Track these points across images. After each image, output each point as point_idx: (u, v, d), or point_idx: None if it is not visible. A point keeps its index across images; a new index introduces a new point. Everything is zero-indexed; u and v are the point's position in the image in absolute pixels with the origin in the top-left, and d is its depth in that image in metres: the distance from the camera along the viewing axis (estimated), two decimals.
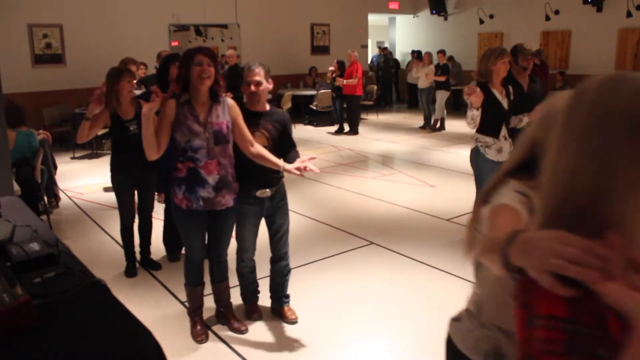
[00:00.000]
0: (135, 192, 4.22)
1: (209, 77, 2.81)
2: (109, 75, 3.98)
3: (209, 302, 3.50)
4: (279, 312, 3.52)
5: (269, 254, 3.45)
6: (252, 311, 3.52)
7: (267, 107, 3.21)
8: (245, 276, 3.45)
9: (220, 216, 3.04)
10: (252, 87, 3.08)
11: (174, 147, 2.90)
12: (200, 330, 3.25)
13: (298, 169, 2.90)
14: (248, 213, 3.17)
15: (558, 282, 0.81)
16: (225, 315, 3.38)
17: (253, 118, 3.12)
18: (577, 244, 0.80)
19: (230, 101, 3.00)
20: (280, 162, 3.01)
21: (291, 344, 3.23)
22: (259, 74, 3.09)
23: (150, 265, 4.33)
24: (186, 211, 2.96)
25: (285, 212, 3.32)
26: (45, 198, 5.57)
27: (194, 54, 2.83)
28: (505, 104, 4.22)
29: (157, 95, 2.77)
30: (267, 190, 3.15)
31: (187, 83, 2.86)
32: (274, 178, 3.16)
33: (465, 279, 4.09)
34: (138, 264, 4.34)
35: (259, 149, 3.02)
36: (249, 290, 3.51)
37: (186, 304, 3.72)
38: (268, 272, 3.52)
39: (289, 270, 3.47)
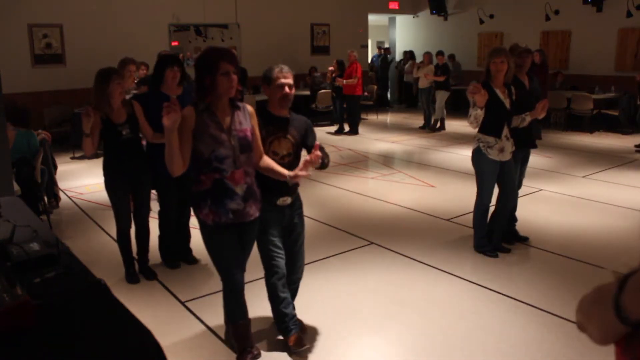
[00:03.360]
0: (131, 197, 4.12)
1: (233, 87, 2.67)
2: (97, 78, 3.79)
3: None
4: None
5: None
6: (298, 343, 3.05)
7: (289, 113, 3.08)
8: (280, 298, 3.06)
9: (246, 229, 2.84)
10: (286, 89, 2.94)
11: (195, 158, 2.67)
12: None
13: (304, 167, 2.81)
14: (272, 223, 2.99)
15: None
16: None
17: (280, 123, 3.00)
18: None
19: (249, 108, 2.86)
20: (285, 171, 2.86)
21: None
22: (292, 77, 2.97)
23: (146, 274, 4.18)
24: (213, 227, 2.73)
25: (303, 221, 3.21)
26: (45, 198, 5.57)
27: (218, 60, 2.59)
28: (507, 103, 4.22)
29: (175, 104, 2.46)
30: (288, 198, 3.03)
31: (207, 90, 2.63)
32: (292, 185, 3.00)
33: (464, 279, 4.09)
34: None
35: (267, 161, 2.90)
36: (287, 317, 3.09)
37: (187, 304, 3.73)
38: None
39: (298, 286, 3.34)
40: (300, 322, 3.25)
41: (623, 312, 0.74)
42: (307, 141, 3.10)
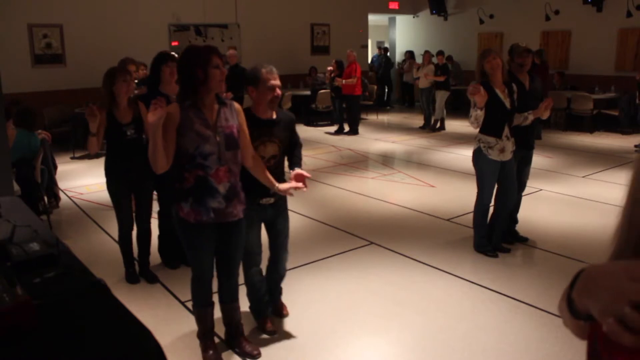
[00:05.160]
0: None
1: (223, 80, 2.69)
2: (104, 77, 3.81)
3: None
4: (273, 306, 3.51)
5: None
6: (265, 324, 3.37)
7: (274, 113, 3.09)
8: (256, 287, 3.31)
9: (231, 229, 2.84)
10: (278, 91, 2.96)
11: (179, 155, 2.67)
12: (213, 355, 3.00)
13: (289, 189, 2.94)
14: (253, 219, 3.06)
15: (624, 329, 0.64)
16: (237, 337, 3.14)
17: (264, 127, 3.01)
18: None
19: (237, 105, 2.86)
20: (276, 183, 2.94)
21: (290, 344, 3.23)
22: (278, 77, 2.99)
23: (148, 277, 4.15)
24: (194, 225, 2.72)
25: (286, 217, 3.28)
26: (45, 198, 5.57)
27: (210, 55, 2.62)
28: (507, 103, 4.22)
29: (161, 102, 2.49)
30: (272, 198, 3.08)
31: (197, 85, 2.63)
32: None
33: (464, 279, 4.09)
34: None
35: (261, 166, 2.93)
36: (262, 302, 3.38)
37: (187, 303, 3.73)
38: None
39: (284, 273, 3.44)
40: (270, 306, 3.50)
41: (574, 306, 0.76)
42: (293, 136, 3.20)
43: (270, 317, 3.42)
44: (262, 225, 3.26)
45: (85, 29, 9.97)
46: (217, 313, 3.10)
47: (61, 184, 6.62)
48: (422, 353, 3.13)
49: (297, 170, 3.02)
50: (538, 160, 7.83)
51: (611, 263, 0.76)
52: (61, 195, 6.33)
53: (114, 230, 4.17)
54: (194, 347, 3.14)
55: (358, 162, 8.41)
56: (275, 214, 3.20)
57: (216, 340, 3.14)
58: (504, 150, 4.27)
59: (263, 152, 3.02)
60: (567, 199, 6.21)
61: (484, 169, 4.35)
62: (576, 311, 0.76)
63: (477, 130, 4.31)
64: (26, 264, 1.94)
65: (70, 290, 1.80)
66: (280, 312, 3.53)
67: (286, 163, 3.26)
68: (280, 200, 3.19)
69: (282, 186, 2.94)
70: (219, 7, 11.63)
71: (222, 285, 3.03)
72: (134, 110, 3.86)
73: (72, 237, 5.05)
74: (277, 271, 3.42)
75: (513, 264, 4.41)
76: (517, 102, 4.30)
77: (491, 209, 4.57)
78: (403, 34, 16.39)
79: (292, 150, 3.22)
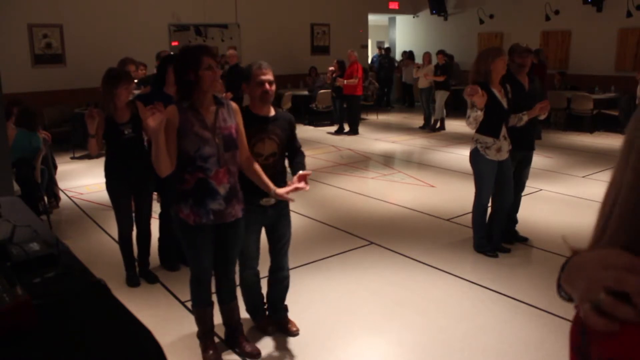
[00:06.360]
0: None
1: (217, 81, 2.69)
2: (106, 78, 3.80)
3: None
4: (278, 324, 3.37)
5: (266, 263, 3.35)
6: (265, 325, 3.36)
7: (272, 111, 3.07)
8: (252, 288, 3.29)
9: (229, 229, 2.83)
10: (267, 86, 2.91)
11: (179, 157, 2.66)
12: (213, 355, 3.00)
13: (289, 192, 2.86)
14: (251, 221, 3.00)
15: (597, 313, 0.67)
16: (236, 337, 3.14)
17: (261, 123, 2.98)
18: (623, 263, 0.66)
19: (234, 105, 2.85)
20: (272, 185, 2.88)
21: (290, 344, 3.23)
22: (271, 73, 2.95)
23: (148, 278, 4.14)
24: (194, 227, 2.73)
25: (288, 222, 3.18)
26: (45, 198, 5.57)
27: (201, 56, 2.62)
28: (504, 103, 4.22)
29: (159, 107, 2.51)
30: (272, 198, 3.00)
31: (191, 87, 2.65)
32: (278, 185, 2.98)
33: (464, 279, 4.09)
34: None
35: (257, 168, 2.89)
36: (258, 303, 3.37)
37: (187, 303, 3.73)
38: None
39: (288, 283, 3.31)
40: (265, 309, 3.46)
41: (562, 290, 0.81)
42: (291, 137, 3.13)
43: (268, 318, 3.40)
44: (263, 230, 3.18)
45: (85, 29, 9.97)
46: (217, 313, 3.10)
47: (61, 184, 6.62)
48: (422, 353, 3.13)
49: (300, 172, 2.91)
50: (538, 160, 7.82)
51: (590, 252, 0.79)
52: (61, 195, 6.33)
53: (114, 230, 4.17)
54: (194, 347, 3.14)
55: (358, 162, 8.41)
56: (277, 217, 3.11)
57: (216, 340, 3.15)
58: (500, 150, 4.28)
59: (262, 150, 2.98)
60: (567, 199, 6.21)
61: (482, 169, 4.36)
62: (564, 295, 0.81)
63: (474, 130, 4.31)
64: (26, 264, 1.94)
65: (70, 290, 1.79)
66: (287, 329, 3.34)
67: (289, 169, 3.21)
68: (282, 202, 3.10)
69: (280, 190, 2.87)
70: (219, 7, 11.63)
71: (221, 286, 3.03)
72: (131, 110, 3.86)
73: (72, 237, 5.05)
74: (279, 281, 3.29)
75: (513, 264, 4.41)
76: (515, 102, 4.30)
77: (490, 209, 4.57)
78: (403, 34, 16.39)
79: (293, 156, 3.16)
